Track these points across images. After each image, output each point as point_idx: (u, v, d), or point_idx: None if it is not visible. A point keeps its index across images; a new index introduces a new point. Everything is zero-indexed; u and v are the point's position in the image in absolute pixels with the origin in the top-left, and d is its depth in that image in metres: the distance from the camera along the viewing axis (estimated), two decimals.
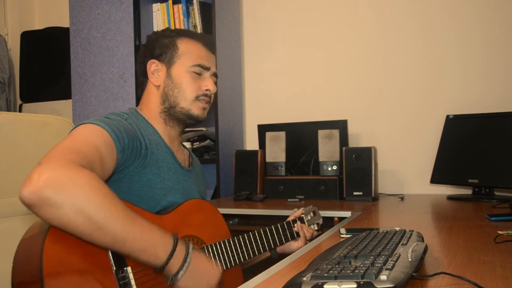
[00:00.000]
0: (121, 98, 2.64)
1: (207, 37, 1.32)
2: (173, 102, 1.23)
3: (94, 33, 2.71)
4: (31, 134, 1.20)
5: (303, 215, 1.44)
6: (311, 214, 1.49)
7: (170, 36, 1.27)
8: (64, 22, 3.03)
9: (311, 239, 1.43)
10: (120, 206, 0.89)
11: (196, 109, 1.24)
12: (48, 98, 3.16)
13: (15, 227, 1.14)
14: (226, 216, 2.03)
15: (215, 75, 1.30)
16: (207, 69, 1.26)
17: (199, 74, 1.24)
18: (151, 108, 1.25)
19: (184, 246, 0.98)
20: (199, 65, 1.24)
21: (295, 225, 1.39)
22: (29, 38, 3.27)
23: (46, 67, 3.20)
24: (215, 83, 1.29)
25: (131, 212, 0.91)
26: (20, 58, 3.27)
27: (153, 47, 1.26)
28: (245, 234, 1.25)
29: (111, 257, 0.92)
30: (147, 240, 0.91)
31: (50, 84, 3.19)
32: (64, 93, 3.04)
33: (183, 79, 1.23)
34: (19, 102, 3.29)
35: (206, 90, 1.25)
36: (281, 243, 1.35)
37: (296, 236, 1.38)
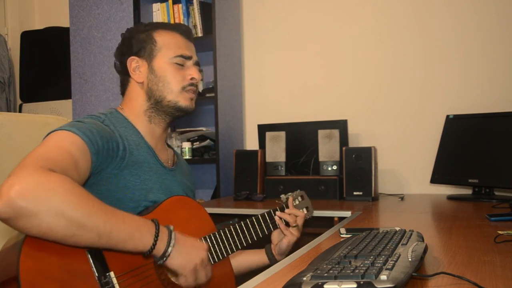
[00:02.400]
0: (121, 98, 2.63)
1: (183, 26, 1.29)
2: (159, 97, 1.20)
3: (94, 33, 2.71)
4: (32, 135, 1.20)
5: (288, 203, 1.40)
6: (299, 198, 1.46)
7: (146, 30, 1.24)
8: (64, 22, 3.03)
9: (301, 224, 1.38)
10: (97, 202, 0.89)
11: (184, 100, 1.21)
12: (48, 98, 3.17)
13: None
14: (226, 216, 2.04)
15: (197, 63, 1.27)
16: (189, 58, 1.23)
17: (181, 64, 1.22)
18: (134, 107, 1.23)
19: (165, 227, 1.00)
20: (181, 56, 1.22)
21: (276, 213, 1.34)
22: (29, 38, 3.28)
23: (46, 67, 3.20)
24: (200, 72, 1.27)
25: (108, 206, 0.91)
26: (20, 58, 3.27)
27: (130, 44, 1.24)
28: (231, 227, 1.24)
29: (92, 263, 0.91)
30: (131, 228, 0.92)
31: (50, 84, 3.19)
32: (64, 93, 3.04)
33: (166, 72, 1.20)
34: (19, 102, 3.29)
35: (191, 79, 1.22)
36: (269, 231, 1.33)
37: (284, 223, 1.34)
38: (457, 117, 2.19)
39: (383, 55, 2.49)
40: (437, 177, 2.18)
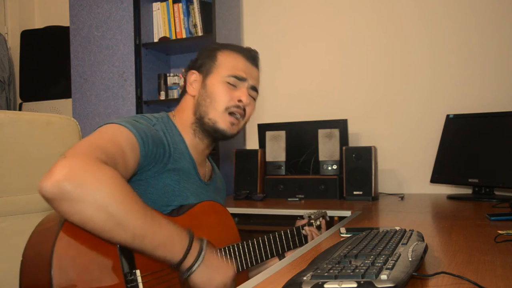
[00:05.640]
0: (121, 97, 2.64)
1: (250, 50, 1.28)
2: (203, 112, 1.20)
3: (94, 32, 2.71)
4: (34, 133, 1.20)
5: (312, 221, 1.43)
6: (320, 219, 1.47)
7: (213, 48, 1.27)
8: (64, 21, 3.02)
9: None
10: (140, 203, 0.90)
11: (223, 123, 1.19)
12: (48, 97, 3.16)
13: (18, 226, 1.14)
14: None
15: (253, 89, 1.24)
16: (243, 80, 1.21)
17: (234, 85, 1.20)
18: (184, 118, 1.24)
19: (198, 241, 0.99)
20: (234, 76, 1.20)
21: (305, 228, 1.38)
22: (29, 37, 3.27)
23: (46, 66, 3.20)
24: (254, 98, 1.26)
25: (149, 209, 0.92)
26: (20, 57, 3.26)
27: (196, 59, 1.27)
28: (254, 240, 1.24)
29: (121, 259, 0.92)
30: (165, 236, 0.92)
31: (50, 83, 3.19)
32: (64, 92, 3.04)
33: (216, 89, 1.20)
34: (19, 101, 3.29)
35: (239, 101, 1.19)
36: (289, 249, 1.33)
37: (304, 242, 1.36)
38: (457, 117, 2.19)
39: (384, 55, 2.49)
40: (437, 177, 2.18)
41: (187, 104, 1.25)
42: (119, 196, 0.86)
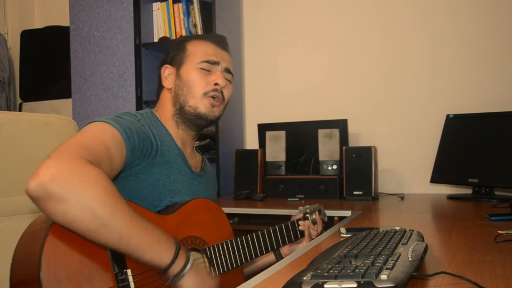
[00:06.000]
0: (121, 97, 2.64)
1: (217, 35, 1.32)
2: (183, 101, 1.22)
3: (94, 32, 2.71)
4: (32, 134, 1.20)
5: (308, 215, 1.43)
6: (316, 213, 1.47)
7: (182, 41, 1.29)
8: (64, 21, 3.02)
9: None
10: (125, 205, 0.90)
11: (204, 107, 1.21)
12: (48, 97, 3.16)
13: (17, 226, 1.13)
14: (226, 216, 2.04)
15: (227, 70, 1.27)
16: (216, 63, 1.24)
17: (208, 70, 1.23)
18: (165, 111, 1.25)
19: (184, 250, 0.99)
20: (207, 61, 1.23)
21: (300, 223, 1.38)
22: (29, 37, 3.27)
23: (46, 66, 3.20)
24: (230, 81, 1.28)
25: (135, 212, 0.91)
26: (20, 57, 3.26)
27: (167, 54, 1.29)
28: (248, 235, 1.24)
29: (111, 259, 0.92)
30: (151, 239, 0.91)
31: (50, 83, 3.19)
32: (64, 92, 3.04)
33: (191, 76, 1.22)
34: (19, 101, 3.29)
35: (215, 84, 1.22)
36: (284, 244, 1.34)
37: (300, 236, 1.37)
38: (457, 117, 2.19)
39: (384, 55, 2.49)
40: (437, 177, 2.18)
41: (166, 98, 1.26)
42: (104, 196, 0.85)
